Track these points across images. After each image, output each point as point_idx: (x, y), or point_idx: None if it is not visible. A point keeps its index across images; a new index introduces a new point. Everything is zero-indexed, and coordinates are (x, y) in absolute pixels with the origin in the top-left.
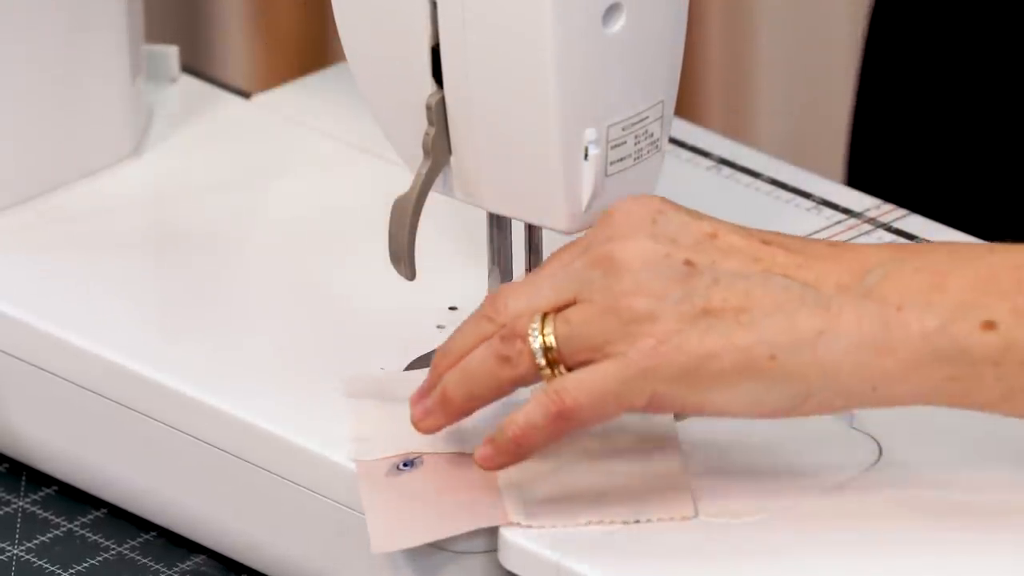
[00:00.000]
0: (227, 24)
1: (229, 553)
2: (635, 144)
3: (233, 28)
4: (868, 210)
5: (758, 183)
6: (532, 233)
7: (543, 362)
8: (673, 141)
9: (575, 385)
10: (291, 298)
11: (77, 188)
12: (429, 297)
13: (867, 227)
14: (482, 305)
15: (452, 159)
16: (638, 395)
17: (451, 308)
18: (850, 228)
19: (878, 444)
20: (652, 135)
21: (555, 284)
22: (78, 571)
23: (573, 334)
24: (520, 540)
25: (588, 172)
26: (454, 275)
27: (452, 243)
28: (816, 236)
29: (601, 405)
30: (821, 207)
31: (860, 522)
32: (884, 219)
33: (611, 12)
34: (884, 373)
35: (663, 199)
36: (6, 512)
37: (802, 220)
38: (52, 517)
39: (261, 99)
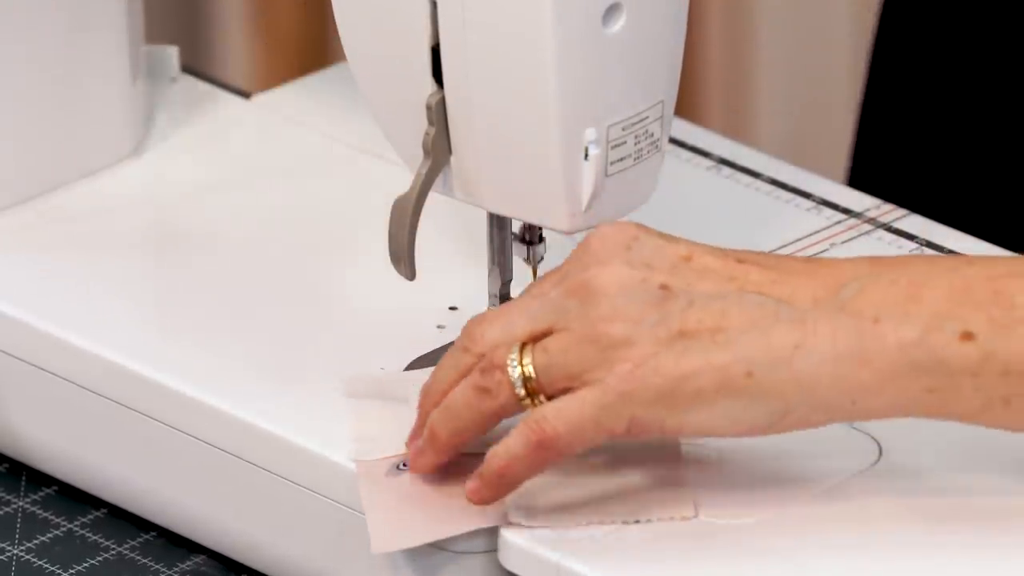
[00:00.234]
0: (227, 24)
1: (229, 553)
2: (635, 144)
3: (233, 28)
4: (868, 210)
5: (758, 183)
6: (532, 233)
7: (523, 392)
8: (673, 141)
9: (554, 414)
10: (291, 298)
11: (77, 188)
12: (429, 297)
13: (867, 227)
14: (459, 337)
15: (452, 159)
16: (617, 420)
17: (451, 308)
18: (850, 228)
19: (878, 444)
20: (652, 135)
21: (531, 314)
22: (78, 571)
23: (551, 363)
24: (520, 540)
25: (588, 172)
26: (454, 275)
27: (452, 243)
28: (816, 236)
29: (580, 432)
30: (821, 207)
31: (860, 523)
32: (884, 219)
33: (611, 12)
34: (861, 385)
35: (638, 225)
36: (6, 512)
37: (802, 220)
38: (52, 517)
39: (261, 99)
